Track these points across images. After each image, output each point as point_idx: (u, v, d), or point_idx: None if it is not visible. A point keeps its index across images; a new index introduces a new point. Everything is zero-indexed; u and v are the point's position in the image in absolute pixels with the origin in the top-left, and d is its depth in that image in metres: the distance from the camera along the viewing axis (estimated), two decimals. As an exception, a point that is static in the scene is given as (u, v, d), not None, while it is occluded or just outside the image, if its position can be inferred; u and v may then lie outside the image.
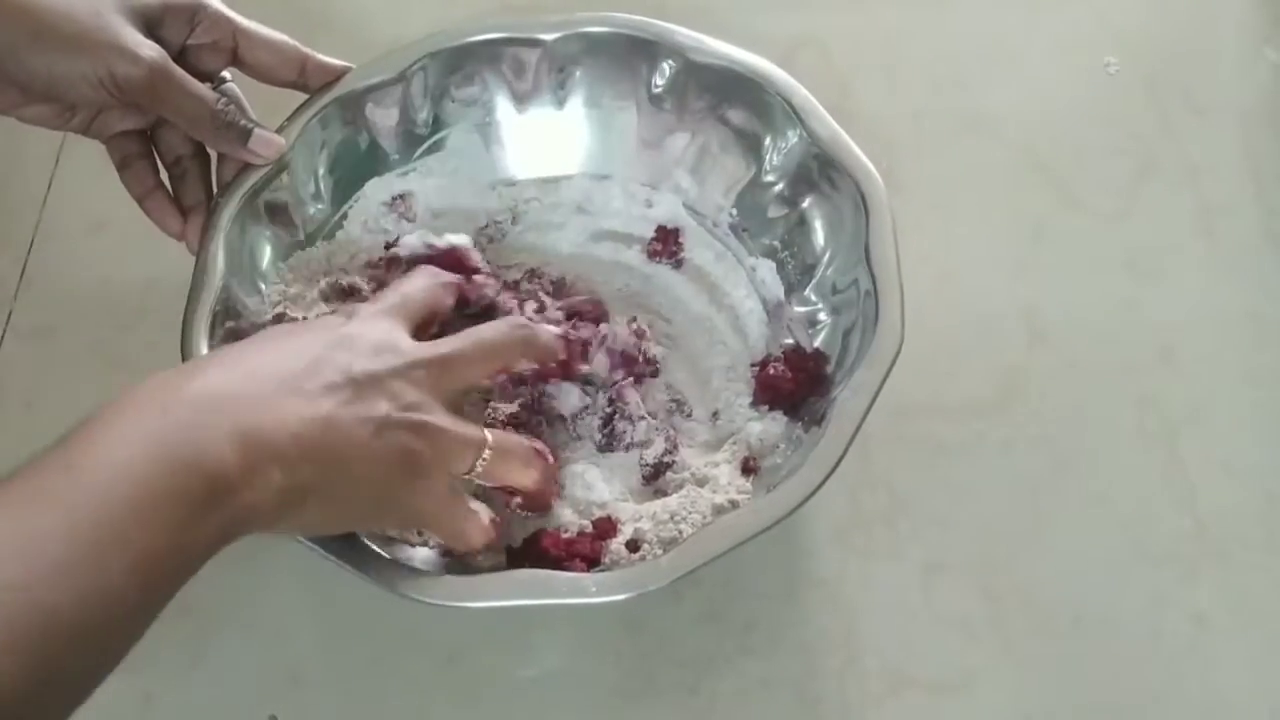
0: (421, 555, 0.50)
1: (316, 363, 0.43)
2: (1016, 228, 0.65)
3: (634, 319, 0.57)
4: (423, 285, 0.51)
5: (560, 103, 0.61)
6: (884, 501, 0.57)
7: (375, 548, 0.47)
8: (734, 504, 0.51)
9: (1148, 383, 0.61)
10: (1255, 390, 0.61)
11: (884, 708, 0.53)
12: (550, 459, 0.51)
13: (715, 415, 0.57)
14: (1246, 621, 0.55)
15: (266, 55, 0.54)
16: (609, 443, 0.55)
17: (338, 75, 0.56)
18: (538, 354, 0.51)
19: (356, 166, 0.59)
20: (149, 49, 0.50)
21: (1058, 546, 0.56)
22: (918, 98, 0.69)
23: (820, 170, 0.56)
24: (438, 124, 0.60)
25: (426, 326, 0.50)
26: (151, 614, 0.37)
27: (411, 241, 0.56)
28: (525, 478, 0.49)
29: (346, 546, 0.47)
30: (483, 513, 0.48)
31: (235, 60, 0.54)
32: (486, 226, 0.61)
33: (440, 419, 0.45)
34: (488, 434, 0.47)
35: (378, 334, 0.46)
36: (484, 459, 0.47)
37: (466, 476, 0.47)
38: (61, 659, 0.33)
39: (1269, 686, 0.54)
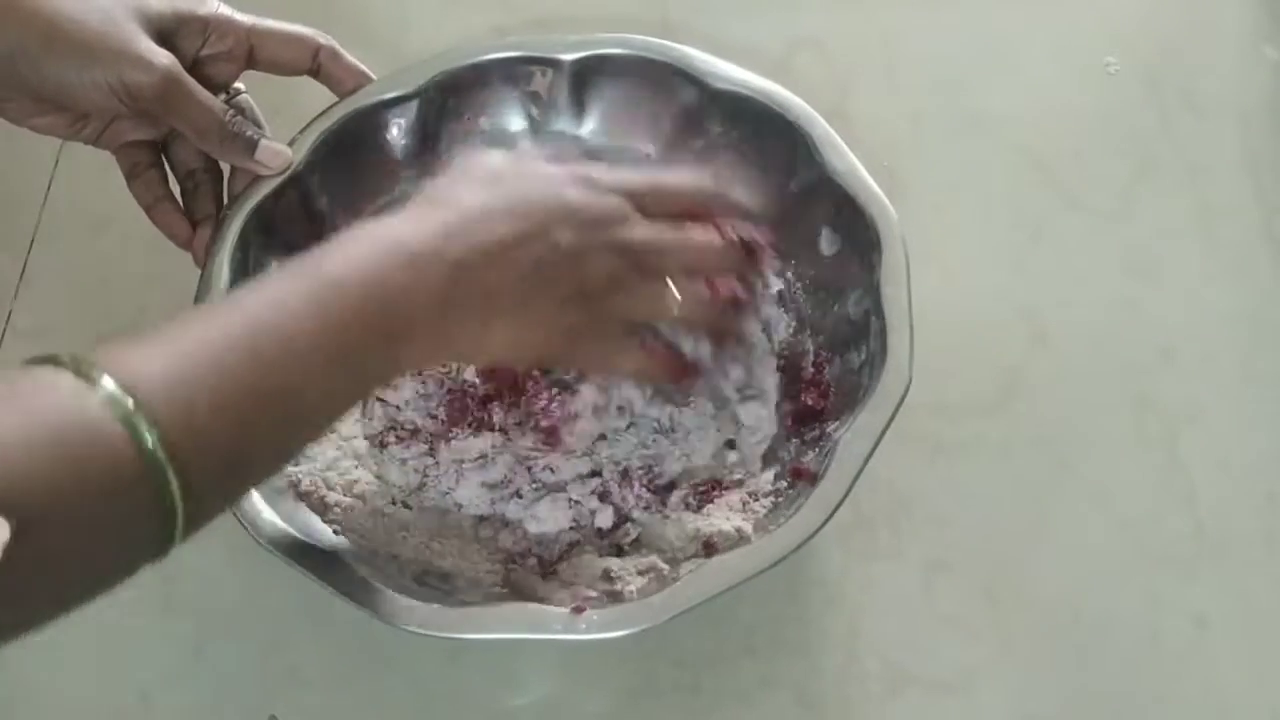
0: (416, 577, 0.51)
1: (531, 234, 0.46)
2: (1016, 228, 0.65)
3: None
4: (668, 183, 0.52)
5: (577, 124, 0.60)
6: (885, 501, 0.57)
7: (370, 575, 0.48)
8: (739, 531, 0.51)
9: (1148, 383, 0.61)
10: (1254, 390, 0.61)
11: (884, 707, 0.53)
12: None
13: (729, 444, 0.57)
14: (1246, 621, 0.55)
15: (282, 50, 0.54)
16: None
17: (351, 71, 0.56)
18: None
19: (368, 181, 0.59)
20: (162, 57, 0.50)
21: (1058, 546, 0.56)
22: (917, 98, 0.69)
23: (835, 203, 0.56)
24: (452, 141, 0.60)
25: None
26: (341, 408, 0.44)
27: None
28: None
29: (342, 574, 0.47)
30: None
31: (251, 62, 0.54)
32: None
33: (639, 293, 0.49)
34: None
35: (599, 210, 0.48)
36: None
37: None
38: (285, 425, 0.41)
39: (1269, 686, 0.54)
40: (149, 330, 0.38)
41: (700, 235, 0.51)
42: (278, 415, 0.40)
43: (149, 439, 0.35)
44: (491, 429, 0.55)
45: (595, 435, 0.55)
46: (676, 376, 0.53)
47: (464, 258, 0.44)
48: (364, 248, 0.43)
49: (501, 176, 0.47)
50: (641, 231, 0.49)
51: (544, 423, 0.55)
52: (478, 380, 0.55)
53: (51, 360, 0.36)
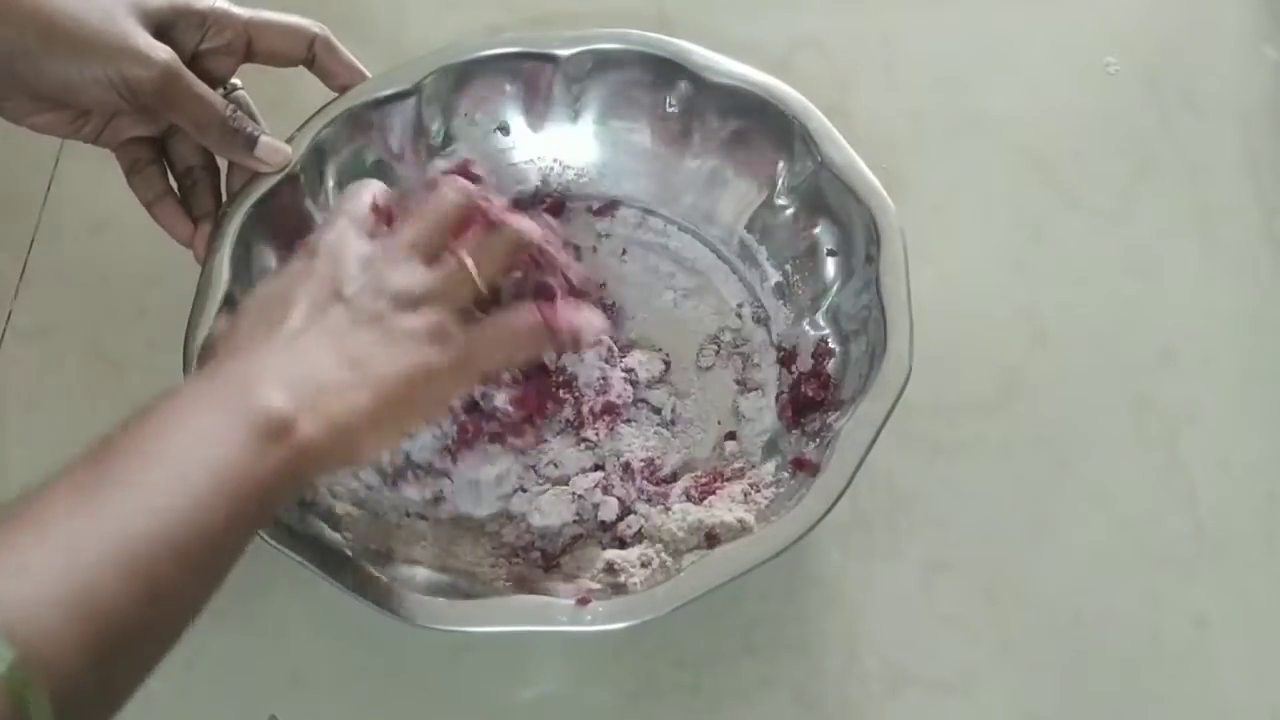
0: (422, 575, 0.50)
1: (313, 305, 0.45)
2: (1016, 228, 0.65)
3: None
4: (353, 193, 0.50)
5: (574, 119, 0.60)
6: (884, 501, 0.57)
7: (374, 570, 0.48)
8: (741, 522, 0.51)
9: (1148, 383, 0.61)
10: (1254, 390, 0.61)
11: (884, 707, 0.53)
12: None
13: (730, 436, 0.57)
14: (1246, 621, 0.55)
15: (279, 41, 0.54)
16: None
17: (345, 65, 0.56)
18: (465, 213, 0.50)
19: (366, 177, 0.59)
20: (161, 51, 0.50)
21: (1058, 546, 0.56)
22: (917, 98, 0.69)
23: (833, 196, 0.56)
24: (449, 138, 0.60)
25: (383, 220, 0.50)
26: (239, 543, 0.39)
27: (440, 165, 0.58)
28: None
29: (346, 568, 0.47)
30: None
31: (249, 54, 0.54)
32: None
33: (429, 282, 0.46)
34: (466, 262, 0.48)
35: (345, 251, 0.46)
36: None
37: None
38: (169, 579, 0.36)
39: (1269, 686, 0.54)
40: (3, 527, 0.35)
41: (426, 203, 0.49)
42: (170, 607, 0.37)
43: (13, 671, 0.31)
44: (503, 443, 0.55)
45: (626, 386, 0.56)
46: (555, 334, 0.49)
47: (303, 373, 0.42)
48: (220, 430, 0.39)
49: (267, 299, 0.46)
50: (398, 238, 0.48)
51: (597, 408, 0.56)
52: (510, 408, 0.54)
53: None
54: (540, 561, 0.53)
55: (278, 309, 0.44)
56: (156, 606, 0.36)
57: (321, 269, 0.46)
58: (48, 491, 0.36)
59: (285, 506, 0.43)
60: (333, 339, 0.44)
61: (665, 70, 0.58)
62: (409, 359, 0.44)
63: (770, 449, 0.55)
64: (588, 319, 0.50)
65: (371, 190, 0.50)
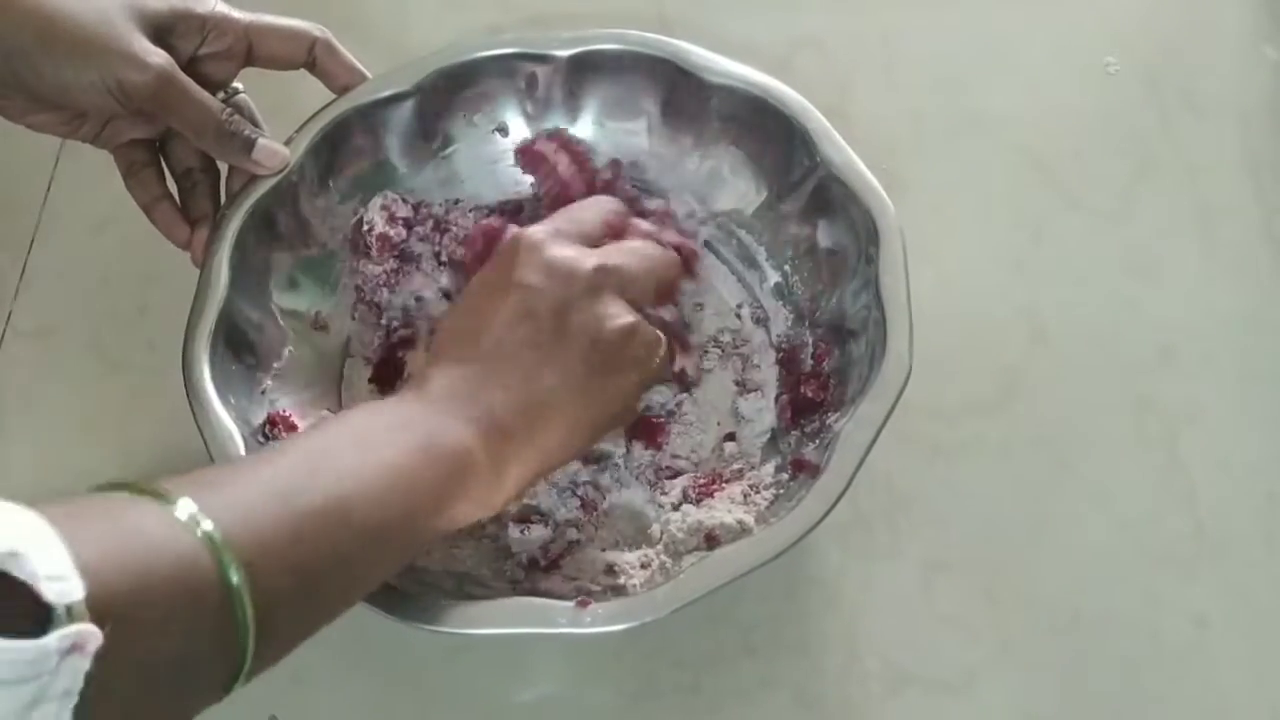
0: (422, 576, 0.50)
1: (514, 318, 0.48)
2: (1016, 228, 0.65)
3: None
4: (593, 211, 0.54)
5: (572, 119, 0.60)
6: (884, 501, 0.57)
7: None
8: (740, 523, 0.51)
9: (1148, 383, 0.61)
10: (1254, 390, 0.61)
11: (884, 707, 0.53)
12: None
13: (729, 437, 0.57)
14: (1246, 621, 0.55)
15: (280, 45, 0.54)
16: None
17: (345, 67, 0.56)
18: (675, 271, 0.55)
19: (365, 179, 0.59)
20: (157, 57, 0.49)
21: (1058, 546, 0.56)
22: (917, 98, 0.69)
23: (833, 196, 0.56)
24: (448, 139, 0.60)
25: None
26: (411, 539, 0.43)
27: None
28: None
29: None
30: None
31: (250, 59, 0.54)
32: None
33: (625, 312, 0.49)
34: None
35: (554, 257, 0.49)
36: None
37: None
38: (355, 550, 0.40)
39: (1269, 686, 0.54)
40: (213, 469, 0.39)
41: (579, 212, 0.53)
42: (347, 576, 0.41)
43: (233, 570, 0.34)
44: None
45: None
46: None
47: (481, 407, 0.46)
48: (405, 446, 0.43)
49: (461, 314, 0.50)
50: (564, 218, 0.52)
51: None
52: None
53: (126, 486, 0.35)
54: (540, 563, 0.53)
55: (471, 323, 0.48)
56: (342, 567, 0.40)
57: (502, 264, 0.49)
58: (263, 451, 0.42)
59: (461, 521, 0.46)
60: (512, 357, 0.47)
61: (664, 71, 0.58)
62: (620, 364, 0.49)
63: (770, 450, 0.55)
64: None
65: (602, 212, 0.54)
